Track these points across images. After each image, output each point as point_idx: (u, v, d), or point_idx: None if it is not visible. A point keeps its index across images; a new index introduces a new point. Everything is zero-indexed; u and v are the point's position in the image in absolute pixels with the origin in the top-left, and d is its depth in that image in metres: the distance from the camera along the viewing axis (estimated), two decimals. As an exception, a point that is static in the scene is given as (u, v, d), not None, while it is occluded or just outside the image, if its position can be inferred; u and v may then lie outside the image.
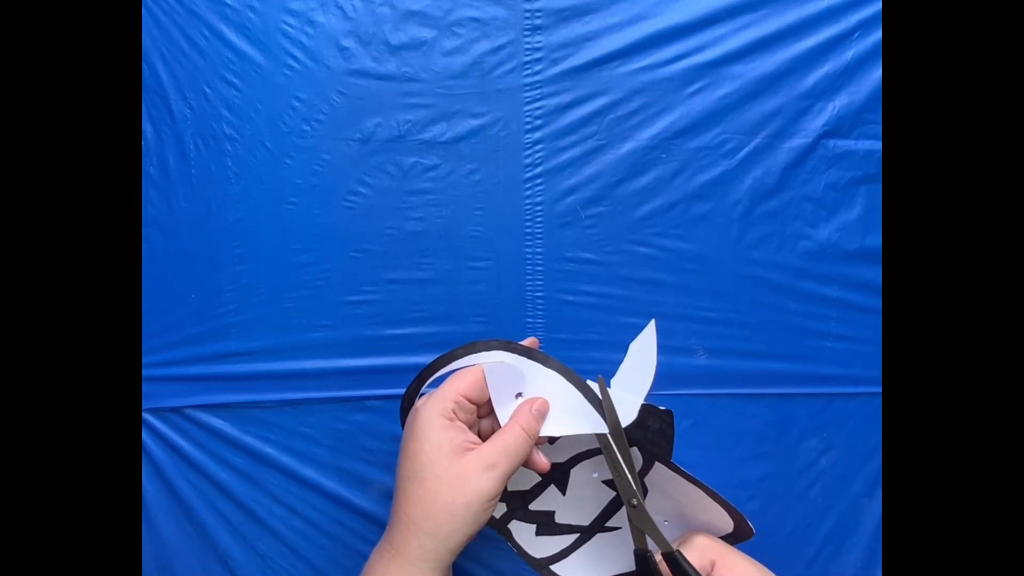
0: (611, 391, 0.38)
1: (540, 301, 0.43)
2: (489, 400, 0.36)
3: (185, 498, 0.43)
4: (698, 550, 0.36)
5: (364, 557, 0.43)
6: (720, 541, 0.37)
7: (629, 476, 0.36)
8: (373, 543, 0.43)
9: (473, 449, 0.33)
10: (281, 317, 0.43)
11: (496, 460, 0.33)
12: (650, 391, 0.42)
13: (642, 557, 0.36)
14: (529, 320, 0.43)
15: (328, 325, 0.43)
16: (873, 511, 0.45)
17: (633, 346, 0.43)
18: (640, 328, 0.43)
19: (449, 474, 0.32)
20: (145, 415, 0.43)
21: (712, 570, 0.36)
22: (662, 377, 0.43)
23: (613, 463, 0.36)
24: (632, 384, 0.43)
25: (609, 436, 0.36)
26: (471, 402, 0.35)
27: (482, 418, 0.37)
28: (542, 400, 0.36)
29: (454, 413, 0.34)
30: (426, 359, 0.43)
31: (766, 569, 0.36)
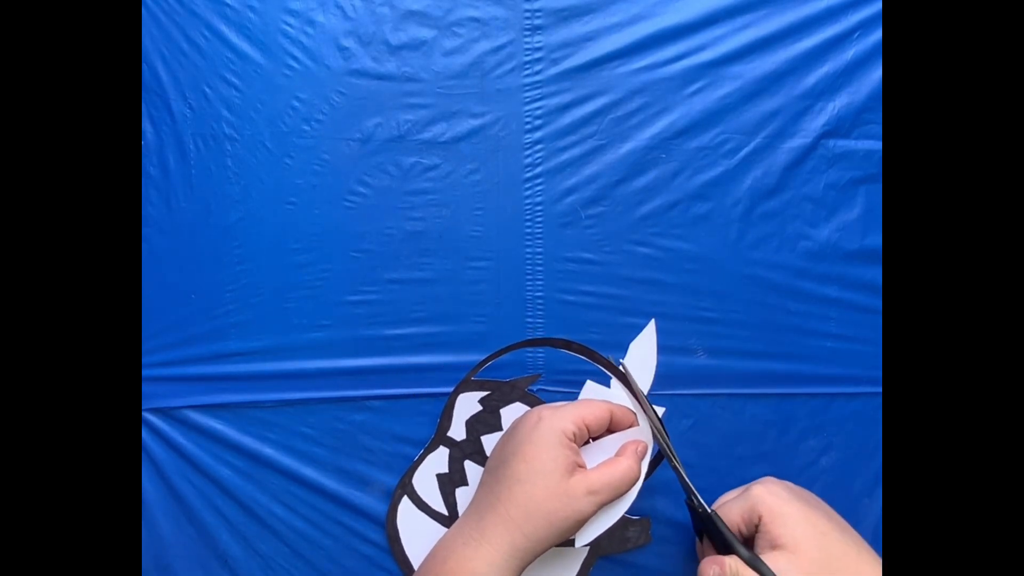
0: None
1: (540, 301, 0.43)
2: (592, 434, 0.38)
3: (185, 498, 0.43)
4: (748, 502, 0.37)
5: (364, 557, 0.43)
6: (780, 493, 0.37)
7: (663, 441, 0.37)
8: (373, 543, 0.43)
9: (579, 471, 0.36)
10: (281, 317, 0.43)
11: (600, 489, 0.35)
12: (650, 391, 0.43)
13: (691, 508, 0.39)
14: (529, 320, 0.43)
15: (328, 325, 0.43)
16: (873, 511, 0.45)
17: (633, 346, 0.43)
18: (640, 328, 0.43)
19: (559, 489, 0.34)
20: (145, 415, 0.43)
21: (760, 523, 0.36)
22: (662, 377, 0.43)
23: (657, 430, 0.38)
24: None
25: (654, 426, 0.38)
26: (588, 432, 0.37)
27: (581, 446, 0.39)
28: (644, 444, 0.38)
29: (574, 436, 0.36)
30: (426, 359, 0.43)
31: (832, 519, 0.36)
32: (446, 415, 0.43)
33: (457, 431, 0.43)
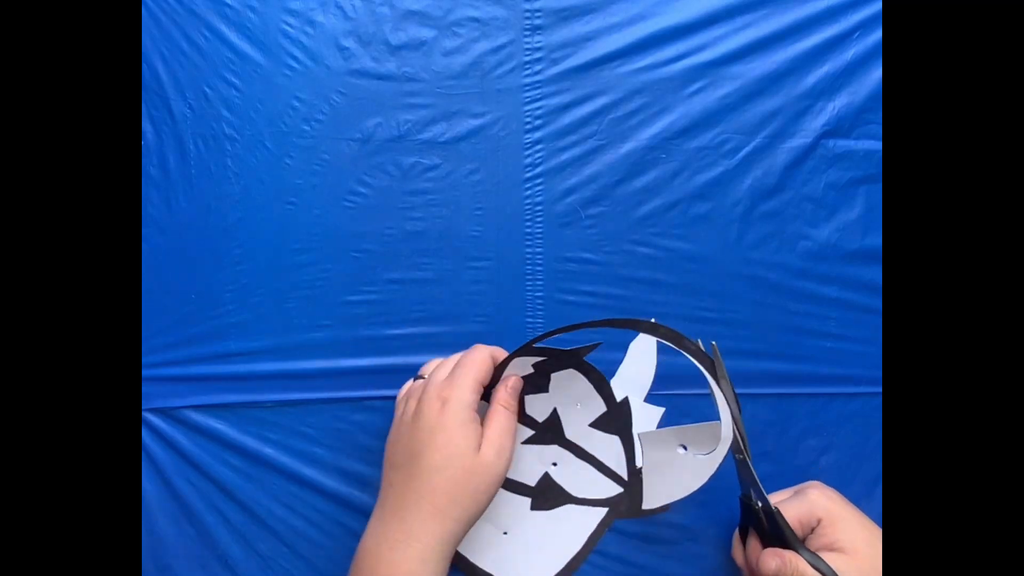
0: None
1: (540, 301, 0.43)
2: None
3: (185, 498, 0.43)
4: (806, 504, 0.37)
5: (364, 557, 0.43)
6: (835, 498, 0.37)
7: (737, 432, 0.36)
8: (373, 543, 0.43)
9: (483, 435, 0.36)
10: (281, 317, 0.43)
11: (502, 444, 0.36)
12: (650, 391, 0.43)
13: (746, 504, 0.38)
14: (529, 320, 0.43)
15: (328, 325, 0.43)
16: (873, 512, 0.45)
17: (633, 346, 0.43)
18: (640, 328, 0.43)
19: (474, 464, 0.35)
20: (145, 415, 0.43)
21: (817, 526, 0.36)
22: (662, 377, 0.43)
23: (736, 420, 0.37)
24: (632, 384, 0.43)
25: (725, 397, 0.36)
26: (483, 386, 0.37)
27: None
28: (515, 378, 0.39)
29: (475, 404, 0.36)
30: (426, 359, 0.43)
31: (876, 529, 0.36)
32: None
33: None
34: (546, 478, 0.42)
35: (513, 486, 0.43)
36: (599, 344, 0.41)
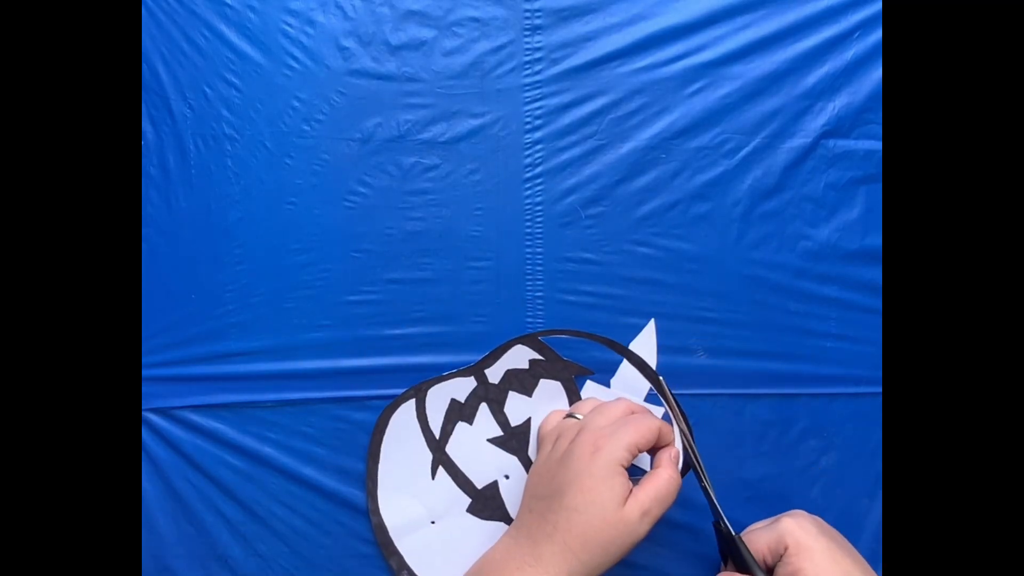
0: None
1: (540, 301, 0.43)
2: None
3: (185, 498, 0.43)
4: (776, 532, 0.37)
5: (364, 557, 0.43)
6: (808, 527, 0.37)
7: (696, 462, 0.38)
8: (373, 543, 0.43)
9: (630, 494, 0.36)
10: (281, 317, 0.43)
11: (650, 507, 0.36)
12: (649, 390, 0.43)
13: (717, 529, 0.39)
14: (529, 320, 0.43)
15: (328, 325, 0.43)
16: (874, 512, 0.45)
17: (633, 346, 0.43)
18: (640, 328, 0.43)
19: (614, 518, 0.35)
20: (145, 415, 0.43)
21: (784, 554, 0.36)
22: (662, 377, 0.43)
23: (692, 454, 0.39)
24: (632, 384, 0.43)
25: (690, 444, 0.39)
26: (638, 453, 0.37)
27: None
28: (676, 450, 0.39)
29: (628, 463, 0.36)
30: (426, 359, 0.43)
31: (858, 561, 0.36)
32: (494, 354, 0.43)
33: (494, 374, 0.43)
34: (493, 487, 0.42)
35: (460, 479, 0.42)
36: (592, 372, 0.42)
